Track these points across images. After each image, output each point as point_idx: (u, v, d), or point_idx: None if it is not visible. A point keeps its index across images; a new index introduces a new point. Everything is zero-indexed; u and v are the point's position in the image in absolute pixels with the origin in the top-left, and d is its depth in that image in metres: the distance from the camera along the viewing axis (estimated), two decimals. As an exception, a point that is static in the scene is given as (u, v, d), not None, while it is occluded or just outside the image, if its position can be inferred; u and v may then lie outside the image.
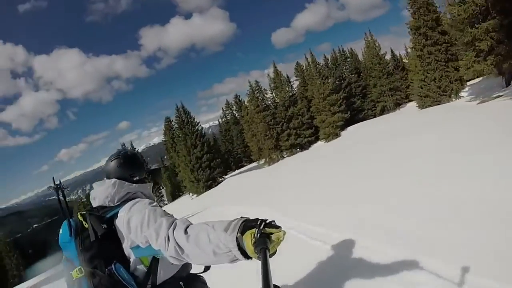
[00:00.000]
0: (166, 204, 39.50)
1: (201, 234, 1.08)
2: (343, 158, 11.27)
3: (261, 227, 0.97)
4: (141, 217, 1.27)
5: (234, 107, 45.55)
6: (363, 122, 31.09)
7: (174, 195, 42.55)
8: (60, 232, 1.40)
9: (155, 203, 1.40)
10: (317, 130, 31.50)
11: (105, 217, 1.39)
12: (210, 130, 51.65)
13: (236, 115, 44.26)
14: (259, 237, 0.95)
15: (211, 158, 30.99)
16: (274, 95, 32.73)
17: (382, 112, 32.78)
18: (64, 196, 1.58)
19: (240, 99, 45.11)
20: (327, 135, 30.01)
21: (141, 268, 1.37)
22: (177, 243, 1.12)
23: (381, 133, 13.88)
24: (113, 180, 1.50)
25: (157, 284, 1.40)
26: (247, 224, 1.02)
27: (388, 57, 33.20)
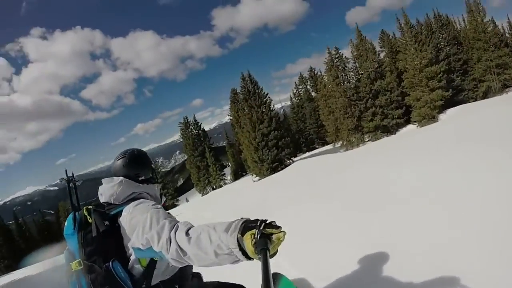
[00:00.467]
0: (228, 183, 37.11)
1: (202, 236, 1.09)
2: (452, 155, 5.75)
3: (261, 228, 0.98)
4: (143, 219, 1.28)
5: (309, 82, 40.59)
6: (463, 105, 23.57)
7: (237, 175, 40.06)
8: (66, 224, 1.45)
9: (159, 206, 1.40)
10: (408, 110, 24.73)
11: (109, 214, 1.43)
12: (282, 110, 46.89)
13: (311, 91, 39.86)
14: (259, 238, 0.96)
15: (279, 136, 26.34)
16: (357, 65, 26.40)
17: (486, 95, 25.37)
18: (75, 188, 1.68)
19: (316, 72, 39.89)
20: (421, 117, 23.15)
21: (138, 268, 1.39)
22: (178, 245, 1.13)
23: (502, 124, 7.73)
24: (120, 178, 1.52)
25: (152, 284, 1.41)
26: (247, 225, 1.03)
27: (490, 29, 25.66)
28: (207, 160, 37.46)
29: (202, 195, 37.91)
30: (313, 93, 38.75)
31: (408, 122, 24.77)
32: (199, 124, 39.61)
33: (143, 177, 1.64)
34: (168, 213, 1.37)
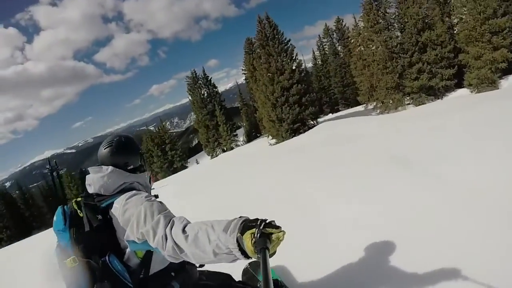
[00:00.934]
0: (240, 145, 33.94)
1: (200, 234, 1.07)
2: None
3: (261, 227, 0.98)
4: (137, 212, 1.25)
5: (335, 34, 34.97)
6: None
7: (251, 136, 36.64)
8: (55, 219, 1.40)
9: (151, 197, 1.38)
10: (460, 71, 19.15)
11: (100, 207, 1.38)
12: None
13: (337, 44, 35.19)
14: (259, 237, 0.96)
15: (302, 91, 21.60)
16: (401, 10, 20.78)
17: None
18: (59, 177, 1.65)
19: (344, 24, 34.03)
20: (479, 80, 17.67)
21: (135, 259, 1.38)
22: (175, 242, 1.11)
23: None
24: (110, 168, 1.46)
25: (150, 274, 1.40)
26: (247, 224, 1.02)
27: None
28: (217, 119, 33.93)
29: (212, 157, 35.38)
30: (339, 47, 34.56)
31: (459, 85, 19.47)
32: (209, 79, 35.46)
33: (131, 166, 1.57)
34: (161, 202, 1.36)
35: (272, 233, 0.99)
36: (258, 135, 34.69)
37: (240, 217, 1.08)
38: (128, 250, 1.36)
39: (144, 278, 1.38)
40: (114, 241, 1.36)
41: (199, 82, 35.17)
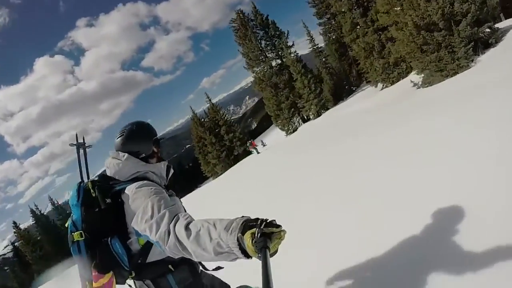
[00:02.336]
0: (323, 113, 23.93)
1: (202, 232, 1.07)
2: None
3: (262, 227, 0.98)
4: (144, 205, 1.26)
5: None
6: None
7: (338, 96, 26.14)
8: (70, 193, 1.47)
9: (161, 191, 1.36)
10: None
11: (112, 190, 1.41)
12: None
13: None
14: (259, 237, 0.95)
15: None
16: None
17: None
18: (85, 154, 1.68)
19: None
20: None
21: (136, 245, 1.41)
22: (177, 238, 1.11)
23: None
24: (126, 155, 1.49)
25: (147, 262, 1.44)
26: (247, 224, 1.02)
27: None
28: (292, 72, 24.72)
29: (288, 133, 26.70)
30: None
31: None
32: (264, 18, 26.80)
33: (143, 154, 1.57)
34: (171, 195, 1.49)
35: (272, 233, 0.97)
36: (354, 88, 26.46)
37: (242, 216, 1.07)
38: (132, 235, 1.39)
39: (141, 264, 1.42)
40: (120, 224, 1.38)
41: (252, 23, 25.85)
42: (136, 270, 1.43)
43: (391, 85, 18.84)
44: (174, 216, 1.18)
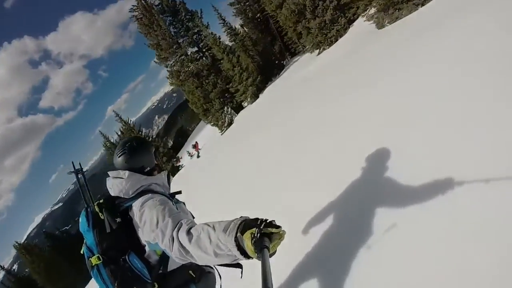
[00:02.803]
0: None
1: (202, 235, 1.09)
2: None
3: (261, 227, 0.97)
4: (150, 217, 1.30)
5: None
6: None
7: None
8: (80, 220, 1.48)
9: (166, 201, 1.40)
10: None
11: (120, 209, 1.45)
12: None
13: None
14: (259, 237, 0.95)
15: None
16: None
17: None
18: (84, 179, 1.68)
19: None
20: None
21: (154, 256, 1.43)
22: (181, 244, 1.14)
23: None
24: (127, 173, 1.51)
25: (168, 271, 1.45)
26: (247, 224, 1.01)
27: None
28: (223, 58, 21.64)
29: (222, 130, 23.10)
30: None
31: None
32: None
33: (148, 168, 1.61)
34: (177, 201, 1.57)
35: (272, 233, 0.97)
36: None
37: (241, 216, 1.08)
38: (147, 248, 1.42)
39: (163, 273, 1.44)
40: (134, 240, 1.41)
41: (158, 7, 22.58)
42: (159, 281, 1.43)
43: (329, 46, 17.10)
44: (177, 223, 1.21)
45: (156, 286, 1.42)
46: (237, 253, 0.98)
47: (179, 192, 1.68)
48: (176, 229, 1.18)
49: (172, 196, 1.60)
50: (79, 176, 1.63)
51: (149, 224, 1.28)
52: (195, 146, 23.27)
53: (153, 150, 1.66)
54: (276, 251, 0.97)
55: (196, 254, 1.10)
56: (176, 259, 1.19)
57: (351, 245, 2.04)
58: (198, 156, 21.57)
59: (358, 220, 2.20)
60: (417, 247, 1.66)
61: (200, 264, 1.22)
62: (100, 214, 1.41)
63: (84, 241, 1.46)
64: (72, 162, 1.67)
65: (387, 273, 1.70)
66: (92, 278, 1.42)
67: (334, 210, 2.51)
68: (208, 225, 1.10)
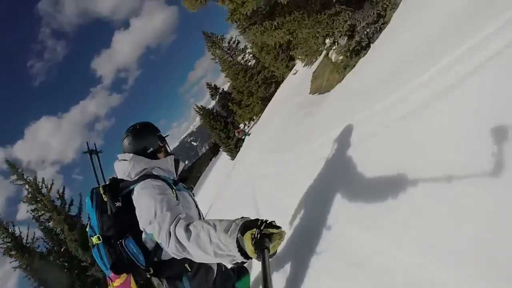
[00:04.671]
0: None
1: (202, 234, 1.10)
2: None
3: (262, 228, 0.98)
4: (147, 206, 1.33)
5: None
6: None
7: None
8: (86, 201, 1.59)
9: (164, 192, 1.40)
10: None
11: (122, 193, 1.52)
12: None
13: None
14: (259, 238, 0.96)
15: None
16: None
17: None
18: (98, 159, 1.86)
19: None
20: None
21: (151, 242, 1.46)
22: (178, 240, 1.15)
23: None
24: (131, 155, 1.57)
25: (163, 259, 1.49)
26: (247, 225, 1.03)
27: None
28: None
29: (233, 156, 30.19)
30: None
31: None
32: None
33: (151, 149, 1.66)
34: (173, 199, 1.41)
35: (272, 233, 0.98)
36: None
37: (242, 217, 1.08)
38: (144, 234, 1.45)
39: (158, 261, 1.47)
40: (133, 224, 1.42)
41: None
42: (153, 267, 1.46)
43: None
44: (175, 218, 1.22)
45: (151, 272, 1.46)
46: (238, 254, 1.01)
47: (185, 180, 1.71)
48: (174, 223, 1.17)
49: (176, 183, 1.60)
50: (93, 156, 1.73)
51: (146, 215, 1.30)
52: (238, 132, 24.92)
53: (157, 133, 1.72)
54: (276, 251, 0.99)
55: (194, 252, 1.11)
56: (171, 254, 1.20)
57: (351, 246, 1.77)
58: (247, 134, 22.63)
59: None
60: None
61: (196, 261, 1.21)
62: (104, 196, 1.48)
63: (89, 221, 1.53)
64: (87, 142, 1.76)
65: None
66: None
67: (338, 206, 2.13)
68: (208, 224, 1.11)
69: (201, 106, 35.27)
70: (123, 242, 1.43)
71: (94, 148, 1.86)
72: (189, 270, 1.55)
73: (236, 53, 29.12)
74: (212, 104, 36.36)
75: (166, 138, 1.80)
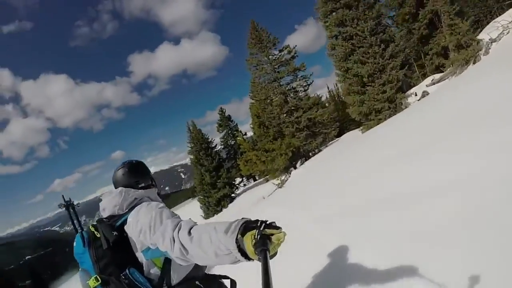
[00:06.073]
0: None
1: (203, 236, 1.09)
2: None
3: (262, 228, 0.97)
4: (148, 220, 1.29)
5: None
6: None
7: None
8: (74, 244, 1.43)
9: (162, 205, 1.40)
10: None
11: (116, 225, 1.42)
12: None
13: None
14: (259, 238, 0.95)
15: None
16: None
17: None
18: (74, 211, 1.76)
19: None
20: None
21: (155, 271, 1.39)
22: (181, 244, 1.14)
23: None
24: (120, 188, 1.52)
25: (173, 285, 1.40)
26: (247, 226, 1.02)
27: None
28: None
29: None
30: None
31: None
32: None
33: (142, 184, 1.65)
34: (172, 212, 1.38)
35: (272, 234, 0.98)
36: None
37: (242, 218, 1.08)
38: (145, 261, 1.37)
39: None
40: (132, 256, 1.38)
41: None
42: None
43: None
44: (177, 224, 1.20)
45: None
46: (238, 255, 0.99)
47: None
48: (176, 229, 1.18)
49: None
50: (70, 209, 1.72)
51: (148, 228, 1.26)
52: None
53: (149, 173, 1.73)
54: (276, 252, 0.98)
55: (196, 254, 1.10)
56: (176, 260, 1.18)
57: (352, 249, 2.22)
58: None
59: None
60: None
61: (200, 264, 1.21)
62: (96, 232, 1.40)
63: (80, 269, 1.42)
64: (63, 196, 1.74)
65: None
66: None
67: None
68: (210, 226, 1.10)
69: (199, 129, 25.83)
70: (127, 273, 1.32)
71: (70, 201, 1.76)
72: (201, 286, 1.47)
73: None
74: (214, 138, 28.03)
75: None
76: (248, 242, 0.96)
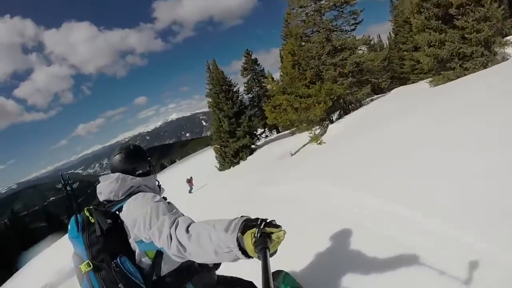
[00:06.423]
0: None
1: (203, 234, 1.09)
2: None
3: (262, 227, 0.97)
4: (143, 214, 1.27)
5: None
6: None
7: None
8: (69, 227, 1.43)
9: (158, 197, 1.39)
10: None
11: (110, 211, 1.43)
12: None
13: None
14: (259, 237, 0.95)
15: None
16: None
17: None
18: (72, 191, 1.72)
19: None
20: None
21: (146, 260, 1.39)
22: (179, 241, 1.13)
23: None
24: (117, 174, 1.50)
25: (162, 275, 1.41)
26: (247, 224, 1.02)
27: None
28: None
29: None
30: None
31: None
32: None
33: (140, 171, 1.62)
34: (169, 203, 1.42)
35: (272, 233, 0.98)
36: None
37: (242, 216, 1.08)
38: (138, 251, 1.37)
39: (158, 279, 1.39)
40: (125, 244, 1.37)
41: None
42: (154, 286, 1.37)
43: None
44: (175, 220, 1.19)
45: None
46: (238, 253, 0.98)
47: (165, 198, 1.54)
48: (173, 226, 1.16)
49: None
50: (68, 188, 1.65)
51: (143, 222, 1.24)
52: (189, 181, 19.02)
53: (148, 158, 1.68)
54: (276, 250, 0.97)
55: (195, 252, 1.09)
56: (173, 257, 1.17)
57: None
58: (190, 192, 18.12)
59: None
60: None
61: (198, 261, 1.23)
62: (90, 217, 1.37)
63: (73, 251, 1.40)
64: (61, 175, 1.69)
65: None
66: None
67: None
68: (208, 224, 1.10)
69: (220, 70, 22.58)
70: (118, 261, 1.31)
71: (68, 180, 1.72)
72: (190, 276, 1.48)
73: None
74: (238, 83, 25.20)
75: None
76: (248, 240, 0.96)
